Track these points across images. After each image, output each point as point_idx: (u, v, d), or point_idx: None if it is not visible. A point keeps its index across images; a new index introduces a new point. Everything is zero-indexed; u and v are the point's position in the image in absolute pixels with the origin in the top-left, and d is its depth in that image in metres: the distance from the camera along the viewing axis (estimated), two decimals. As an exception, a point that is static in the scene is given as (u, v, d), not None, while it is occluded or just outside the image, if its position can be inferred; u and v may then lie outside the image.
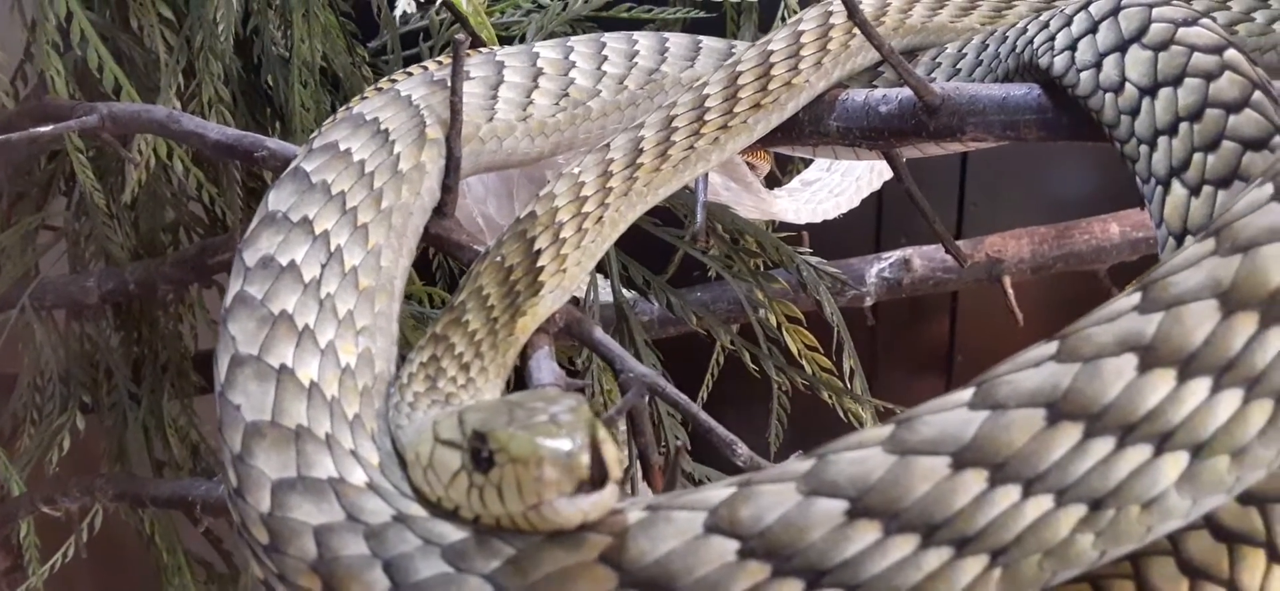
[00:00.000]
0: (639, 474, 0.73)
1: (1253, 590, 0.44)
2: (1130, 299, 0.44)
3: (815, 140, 0.85)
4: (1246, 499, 0.46)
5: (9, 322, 1.30)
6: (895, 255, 1.41)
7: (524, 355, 0.65)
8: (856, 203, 1.15)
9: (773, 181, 1.13)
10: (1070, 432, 0.41)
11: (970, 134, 0.77)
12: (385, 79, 0.83)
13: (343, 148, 0.64)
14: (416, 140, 0.68)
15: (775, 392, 1.08)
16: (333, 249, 0.60)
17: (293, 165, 0.63)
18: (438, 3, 0.89)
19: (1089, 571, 0.43)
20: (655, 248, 1.10)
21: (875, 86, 0.85)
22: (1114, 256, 1.39)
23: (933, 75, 0.85)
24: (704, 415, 0.68)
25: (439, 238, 0.71)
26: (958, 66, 0.84)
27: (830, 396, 1.03)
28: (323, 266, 0.59)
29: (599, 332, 0.70)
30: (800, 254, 1.02)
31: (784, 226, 1.14)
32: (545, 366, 0.64)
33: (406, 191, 0.66)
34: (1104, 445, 0.41)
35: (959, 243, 1.50)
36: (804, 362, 1.03)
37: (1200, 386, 0.42)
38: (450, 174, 0.70)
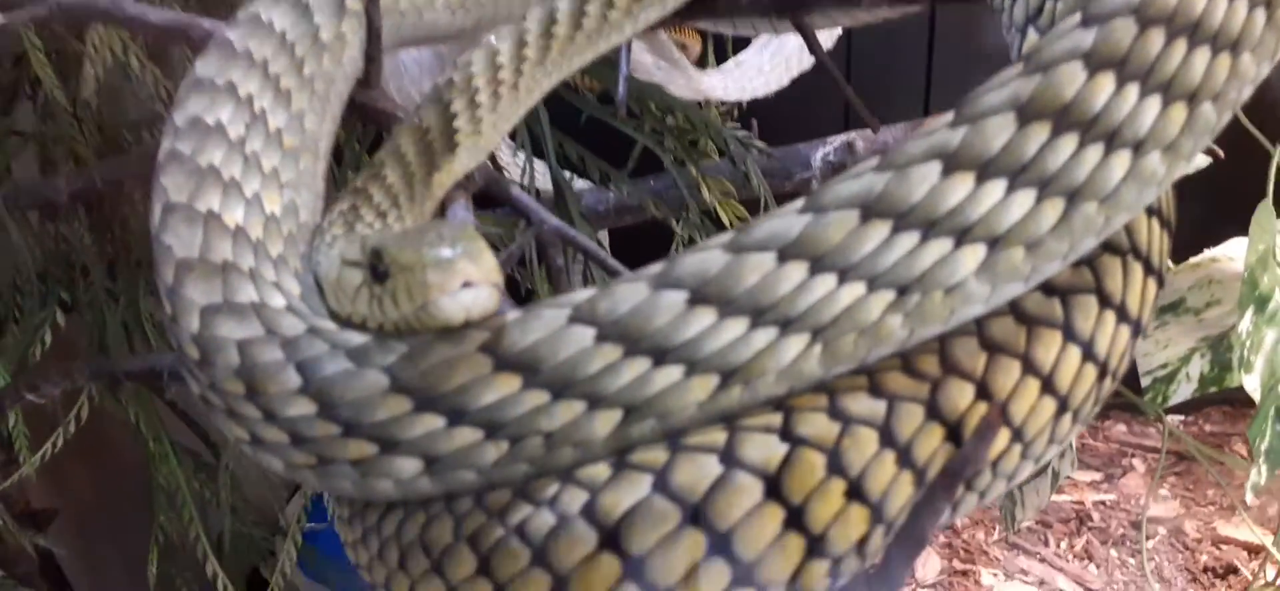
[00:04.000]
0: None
1: (1047, 363, 0.51)
2: (946, 117, 0.50)
3: (731, 13, 0.90)
4: (1049, 290, 0.53)
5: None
6: (839, 139, 1.48)
7: (442, 208, 0.71)
8: (785, 81, 1.20)
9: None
10: (880, 229, 0.47)
11: (866, 2, 0.82)
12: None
13: (264, 19, 0.69)
14: (336, 11, 0.72)
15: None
16: (256, 111, 0.65)
17: (217, 36, 0.68)
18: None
19: (901, 350, 0.49)
20: (599, 135, 1.15)
21: (787, -41, 0.89)
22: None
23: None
24: (613, 261, 0.74)
25: (365, 106, 0.76)
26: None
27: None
28: (247, 126, 0.64)
29: (516, 190, 0.76)
30: (728, 130, 1.08)
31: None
32: (460, 215, 0.69)
33: (328, 60, 0.71)
34: (909, 239, 0.47)
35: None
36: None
37: (996, 187, 0.48)
38: (372, 44, 0.75)
